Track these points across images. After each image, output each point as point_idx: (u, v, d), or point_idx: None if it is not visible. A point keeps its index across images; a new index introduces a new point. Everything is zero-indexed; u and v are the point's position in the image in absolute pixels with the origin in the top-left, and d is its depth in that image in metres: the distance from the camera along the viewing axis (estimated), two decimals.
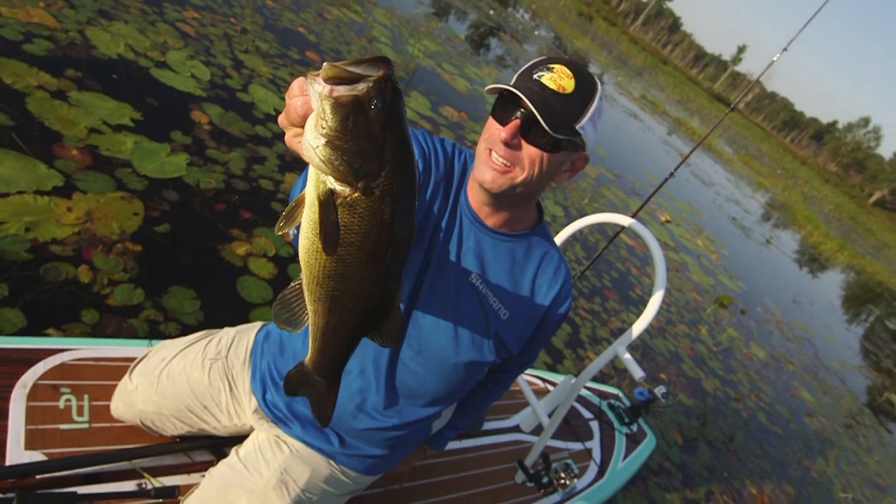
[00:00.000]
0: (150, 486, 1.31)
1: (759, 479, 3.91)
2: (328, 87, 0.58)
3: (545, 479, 2.12)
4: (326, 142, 0.59)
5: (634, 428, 2.92)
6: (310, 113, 0.61)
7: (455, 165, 1.16)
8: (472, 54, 9.62)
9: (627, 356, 1.93)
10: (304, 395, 0.90)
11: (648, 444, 2.91)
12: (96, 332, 1.95)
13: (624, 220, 1.92)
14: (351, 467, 1.26)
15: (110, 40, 3.49)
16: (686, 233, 8.40)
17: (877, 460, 5.76)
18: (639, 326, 1.86)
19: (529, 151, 1.00)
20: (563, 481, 2.15)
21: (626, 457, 2.69)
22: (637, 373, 1.87)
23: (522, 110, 0.97)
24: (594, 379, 3.28)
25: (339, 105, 0.58)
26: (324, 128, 0.59)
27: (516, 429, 2.40)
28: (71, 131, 2.65)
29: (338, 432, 1.23)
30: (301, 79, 0.62)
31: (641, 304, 5.02)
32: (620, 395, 3.20)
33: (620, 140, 11.36)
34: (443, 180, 1.13)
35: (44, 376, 1.40)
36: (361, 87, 0.58)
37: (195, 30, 4.27)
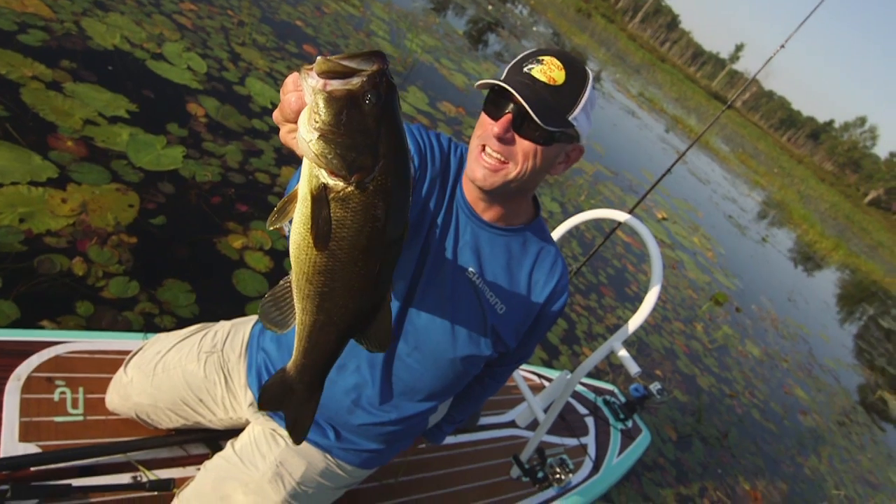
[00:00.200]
0: (145, 479, 1.31)
1: (753, 475, 3.93)
2: (322, 81, 0.57)
3: (540, 474, 2.13)
4: (320, 136, 0.59)
5: (629, 424, 2.93)
6: (304, 108, 0.60)
7: (451, 160, 1.16)
8: (470, 49, 9.60)
9: (623, 352, 1.94)
10: (282, 408, 0.86)
11: (643, 439, 2.93)
12: (91, 324, 1.94)
13: (621, 215, 1.92)
14: (347, 461, 1.25)
15: (106, 31, 3.47)
16: (682, 230, 8.42)
17: (869, 458, 5.81)
18: (635, 322, 1.86)
19: (523, 145, 0.99)
20: (558, 476, 2.16)
21: (620, 452, 2.70)
22: (633, 369, 1.88)
23: (514, 104, 0.96)
24: (589, 375, 3.29)
25: (332, 99, 0.58)
26: (317, 122, 0.59)
27: (512, 424, 2.41)
28: (66, 122, 2.63)
29: (334, 426, 1.23)
30: (295, 74, 0.62)
31: (637, 300, 5.03)
32: (616, 391, 3.21)
33: (617, 137, 11.37)
34: (439, 175, 1.13)
35: (38, 369, 1.40)
36: (355, 82, 0.58)
37: (192, 22, 4.24)
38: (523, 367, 2.81)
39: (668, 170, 2.46)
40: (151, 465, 1.36)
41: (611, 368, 3.79)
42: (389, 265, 0.72)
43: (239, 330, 1.38)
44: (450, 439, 2.11)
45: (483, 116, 1.03)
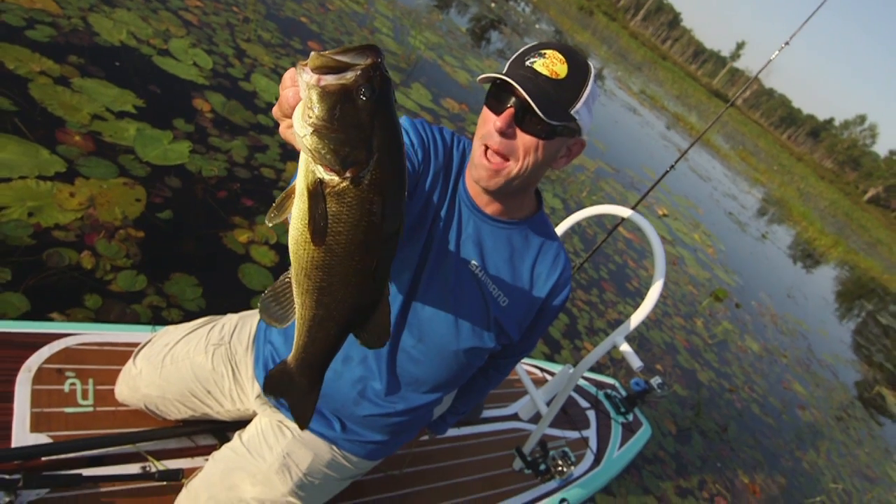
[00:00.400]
0: (154, 469, 1.31)
1: (752, 469, 3.93)
2: (316, 76, 0.57)
3: (542, 467, 2.14)
4: (313, 131, 0.59)
5: (630, 417, 2.93)
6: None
7: (454, 154, 1.15)
8: (473, 47, 9.56)
9: (626, 346, 1.93)
10: (283, 397, 0.87)
11: (644, 433, 2.93)
12: (99, 317, 1.95)
13: (624, 211, 1.91)
14: (352, 452, 1.26)
15: (113, 27, 3.46)
16: (683, 227, 8.40)
17: (867, 452, 5.81)
18: (637, 317, 1.86)
19: (525, 140, 0.98)
20: (560, 468, 2.17)
21: (621, 445, 2.70)
22: (635, 363, 1.88)
23: (516, 98, 0.95)
24: (591, 369, 3.29)
25: (326, 94, 0.57)
26: (311, 117, 0.58)
27: (515, 417, 2.41)
28: (74, 117, 2.63)
29: (340, 418, 1.23)
30: (292, 70, 0.61)
31: (638, 295, 5.02)
32: (617, 385, 3.21)
33: (619, 134, 11.33)
34: (442, 169, 1.12)
35: (49, 360, 1.40)
36: (349, 76, 0.57)
37: (198, 18, 4.23)
38: (526, 360, 2.82)
39: (672, 166, 2.45)
40: (160, 455, 1.36)
41: (612, 363, 3.79)
42: (387, 259, 0.72)
43: (246, 323, 1.38)
44: (453, 431, 2.11)
45: (485, 111, 1.02)
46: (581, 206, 5.81)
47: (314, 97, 0.58)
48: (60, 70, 2.85)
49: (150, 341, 1.39)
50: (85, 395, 1.38)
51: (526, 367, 2.72)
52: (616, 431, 2.77)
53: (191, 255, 2.40)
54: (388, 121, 0.62)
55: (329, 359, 0.82)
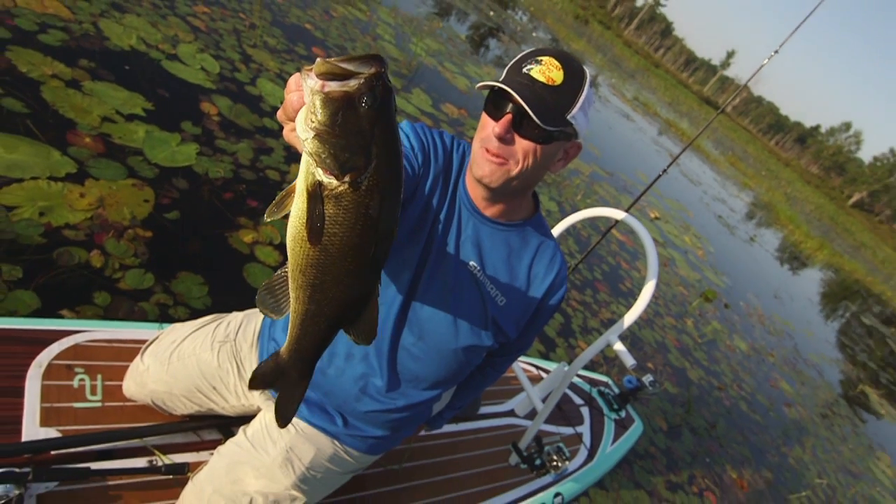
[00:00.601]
0: (160, 463, 1.31)
1: (740, 464, 3.94)
2: (320, 82, 0.57)
3: (538, 462, 2.13)
4: (315, 135, 0.59)
5: (623, 414, 2.93)
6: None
7: (454, 157, 1.15)
8: (472, 53, 9.56)
9: (619, 345, 1.93)
10: (273, 388, 0.87)
11: (636, 429, 2.93)
12: (108, 314, 1.94)
13: (619, 214, 1.91)
14: (354, 447, 1.25)
15: (123, 32, 3.45)
16: (674, 229, 8.41)
17: (851, 448, 5.81)
18: (630, 317, 1.85)
19: (523, 145, 0.98)
20: (555, 463, 2.16)
21: (614, 441, 2.70)
22: (628, 361, 1.87)
23: (513, 104, 0.95)
24: (585, 367, 3.29)
25: (329, 100, 0.57)
26: (313, 122, 0.58)
27: (511, 413, 2.41)
28: (84, 119, 2.62)
29: (342, 413, 1.23)
30: (297, 74, 0.62)
31: (631, 296, 5.02)
32: (610, 382, 3.21)
33: (613, 139, 11.34)
34: (442, 172, 1.12)
35: (58, 356, 1.39)
36: (353, 84, 0.57)
37: (205, 24, 4.22)
38: (522, 358, 2.81)
39: (664, 170, 2.45)
40: (167, 449, 1.36)
41: (605, 361, 3.79)
42: (379, 262, 0.72)
43: (251, 320, 1.38)
44: (451, 427, 2.11)
45: (484, 117, 1.03)
46: (576, 209, 5.81)
47: (317, 103, 0.58)
48: (72, 73, 2.84)
49: (157, 338, 1.38)
50: (93, 391, 1.37)
51: (522, 365, 2.72)
52: (609, 428, 2.76)
53: (197, 254, 2.40)
54: (388, 129, 0.62)
55: (319, 352, 0.83)
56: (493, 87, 0.97)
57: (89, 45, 3.14)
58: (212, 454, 1.25)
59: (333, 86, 0.57)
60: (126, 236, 2.24)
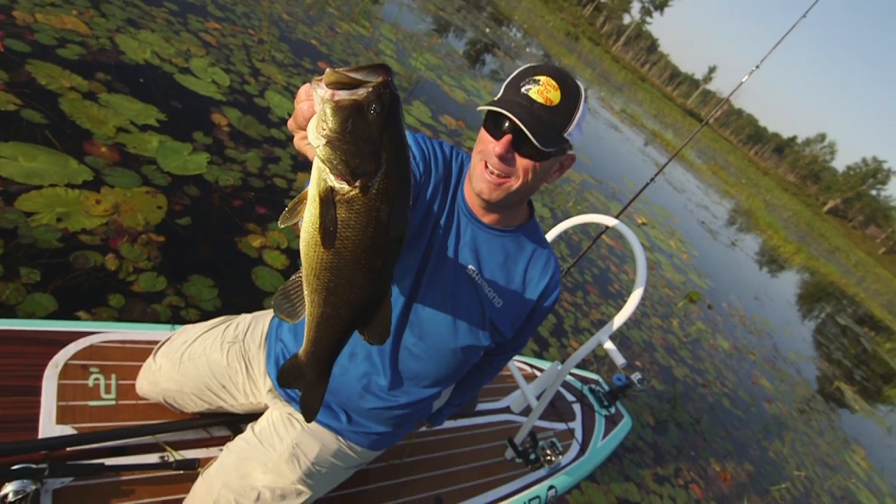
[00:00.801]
0: (171, 459, 1.29)
1: (723, 458, 3.93)
2: (330, 91, 0.57)
3: (532, 456, 2.12)
4: (327, 142, 0.58)
5: (613, 410, 2.92)
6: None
7: (453, 166, 1.16)
8: (469, 68, 9.57)
9: (610, 345, 1.93)
10: (296, 387, 0.86)
11: (625, 425, 2.92)
12: (122, 315, 1.92)
13: (610, 220, 1.91)
14: (357, 443, 1.24)
15: (138, 47, 3.44)
16: (660, 234, 8.42)
17: (827, 442, 5.81)
18: (621, 318, 1.85)
19: (522, 163, 0.99)
20: (548, 458, 2.15)
21: (605, 436, 2.69)
22: (619, 360, 1.87)
23: (512, 125, 0.95)
24: (577, 365, 3.28)
25: (339, 108, 0.57)
26: (324, 129, 0.58)
27: (507, 410, 2.40)
28: (100, 130, 2.61)
29: (346, 411, 1.22)
30: (308, 85, 0.61)
31: (620, 297, 5.02)
32: (600, 380, 3.20)
33: (602, 149, 11.36)
34: (442, 181, 1.12)
35: (74, 357, 1.38)
36: (361, 92, 0.57)
37: (216, 39, 4.22)
38: (517, 357, 2.80)
39: (652, 179, 2.46)
40: (178, 446, 1.34)
41: (595, 359, 3.78)
42: (391, 263, 0.71)
43: (259, 322, 1.37)
44: (450, 424, 2.10)
45: (484, 133, 1.02)
46: (567, 215, 5.82)
47: (328, 111, 0.57)
48: (89, 86, 2.83)
49: (169, 339, 1.37)
50: (108, 390, 1.36)
51: (517, 364, 2.71)
52: (600, 423, 2.75)
53: (208, 258, 2.38)
54: (397, 135, 0.61)
55: (336, 353, 0.82)
56: (494, 115, 0.97)
57: (106, 59, 3.13)
58: (221, 450, 1.24)
59: (343, 94, 0.57)
60: (140, 241, 2.22)
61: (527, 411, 2.43)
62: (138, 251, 2.18)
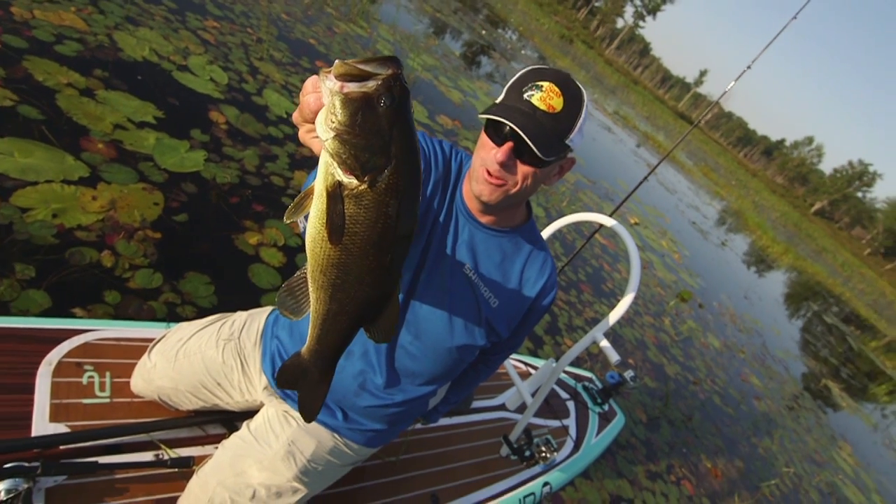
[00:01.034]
0: (166, 457, 1.27)
1: (714, 454, 3.93)
2: (339, 83, 0.54)
3: (527, 453, 2.11)
4: (335, 136, 0.56)
5: (606, 407, 2.91)
6: (322, 109, 0.57)
7: (452, 165, 1.14)
8: (465, 69, 9.55)
9: (605, 343, 1.91)
10: (296, 388, 0.83)
11: (618, 422, 2.91)
12: (118, 312, 1.89)
13: (606, 220, 1.90)
14: (353, 440, 1.22)
15: (136, 44, 3.40)
16: (652, 234, 8.44)
17: (815, 439, 5.84)
18: (614, 316, 1.84)
19: (523, 169, 0.97)
20: (543, 454, 2.14)
21: (598, 433, 2.68)
22: (613, 358, 1.86)
23: (514, 132, 0.94)
24: (571, 363, 3.28)
25: (348, 101, 0.55)
26: (333, 122, 0.56)
27: (502, 407, 2.38)
28: (97, 126, 2.57)
29: (342, 408, 1.20)
30: (314, 77, 0.59)
31: (612, 296, 5.02)
32: (593, 377, 3.20)
33: (596, 150, 11.37)
34: (441, 178, 1.11)
35: (68, 354, 1.35)
36: (371, 85, 0.55)
37: (215, 38, 4.17)
38: (513, 355, 2.79)
39: (645, 178, 2.44)
40: (173, 443, 1.32)
41: (589, 357, 3.77)
42: (399, 259, 0.68)
43: (255, 319, 1.34)
44: (446, 421, 2.08)
45: (485, 138, 1.00)
46: (562, 215, 5.80)
47: (337, 103, 0.55)
48: (86, 82, 2.78)
49: (164, 336, 1.34)
50: (102, 387, 1.33)
51: (512, 362, 2.69)
52: (593, 420, 2.74)
53: (204, 255, 2.35)
54: (406, 128, 0.59)
55: (341, 351, 0.80)
56: (496, 121, 0.95)
57: (103, 56, 3.08)
58: (216, 448, 1.21)
59: (352, 87, 0.54)
60: (136, 237, 2.19)
61: (522, 408, 2.41)
62: (134, 248, 2.15)
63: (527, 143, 0.92)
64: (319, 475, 1.20)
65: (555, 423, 2.53)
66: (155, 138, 2.76)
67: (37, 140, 2.28)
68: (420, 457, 1.84)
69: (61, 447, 1.16)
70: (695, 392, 4.66)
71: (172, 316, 2.01)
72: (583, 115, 0.98)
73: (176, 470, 1.24)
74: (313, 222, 0.63)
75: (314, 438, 1.19)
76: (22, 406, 1.20)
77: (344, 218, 0.60)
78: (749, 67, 2.53)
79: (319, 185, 0.61)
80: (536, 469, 2.15)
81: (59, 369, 1.30)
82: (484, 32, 14.79)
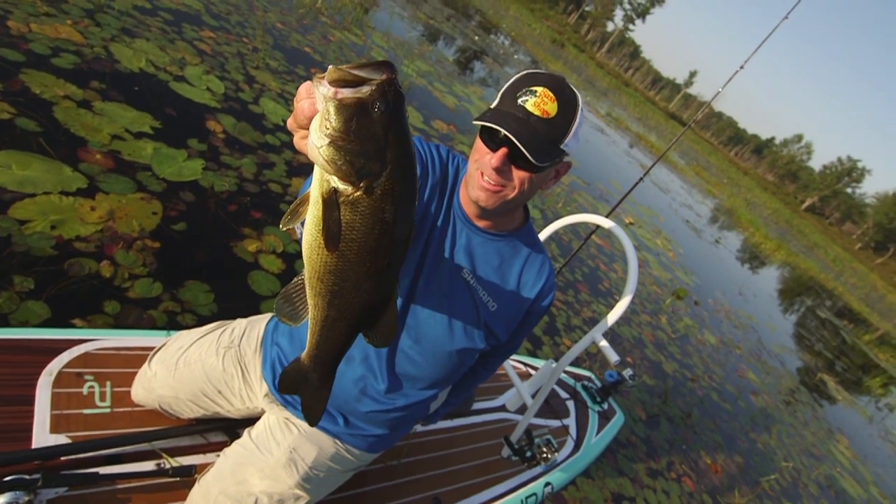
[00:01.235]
0: (168, 466, 1.25)
1: (713, 450, 3.92)
2: (333, 89, 0.53)
3: (529, 454, 2.09)
4: (330, 142, 0.55)
5: (605, 406, 2.90)
6: (316, 115, 0.56)
7: (449, 170, 1.13)
8: (459, 74, 9.56)
9: (604, 343, 1.91)
10: (297, 393, 0.83)
11: (617, 420, 2.90)
12: (118, 322, 1.87)
13: (604, 221, 1.90)
14: (355, 446, 1.21)
15: (132, 55, 3.38)
16: (647, 233, 8.44)
17: (812, 433, 5.84)
18: (613, 316, 1.83)
19: (518, 174, 0.97)
20: (544, 455, 2.13)
21: (598, 432, 2.67)
22: (612, 357, 1.85)
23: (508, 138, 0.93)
24: (570, 363, 3.27)
25: (342, 107, 0.53)
26: (328, 128, 0.54)
27: (503, 408, 2.37)
28: (95, 137, 2.55)
29: (343, 414, 1.19)
30: (308, 83, 0.58)
31: (609, 295, 5.02)
32: (593, 377, 3.18)
33: (590, 152, 11.39)
34: (439, 183, 1.10)
35: (68, 364, 1.33)
36: (365, 90, 0.54)
37: (211, 48, 4.17)
38: (512, 357, 2.77)
39: (640, 179, 2.45)
40: (174, 452, 1.30)
41: (587, 357, 3.76)
42: (396, 265, 0.68)
43: (254, 326, 1.33)
44: (446, 423, 2.06)
45: (480, 144, 0.99)
46: (557, 216, 5.81)
47: (331, 109, 0.54)
48: (83, 94, 2.77)
49: (164, 345, 1.33)
50: (103, 397, 1.31)
51: (512, 363, 2.68)
52: (593, 419, 2.73)
53: (203, 263, 2.33)
54: (402, 133, 0.58)
55: (340, 356, 0.79)
56: (490, 127, 0.95)
57: (100, 68, 3.07)
58: (218, 456, 1.20)
59: (346, 92, 0.53)
60: (135, 247, 2.17)
61: (522, 409, 2.40)
62: (133, 257, 2.13)
63: (521, 151, 0.91)
64: (321, 482, 1.19)
65: (555, 423, 2.52)
66: (153, 148, 2.75)
67: (34, 152, 2.26)
68: (422, 460, 1.82)
69: (62, 458, 1.14)
70: (693, 389, 4.65)
71: (172, 324, 1.99)
72: (578, 120, 0.97)
73: (177, 479, 1.22)
74: (309, 229, 0.62)
75: (315, 445, 1.17)
76: (22, 418, 1.18)
77: (340, 224, 0.59)
78: (742, 68, 2.53)
79: (315, 191, 0.60)
80: (538, 469, 2.14)
81: (60, 380, 1.29)
82: (477, 38, 14.83)
